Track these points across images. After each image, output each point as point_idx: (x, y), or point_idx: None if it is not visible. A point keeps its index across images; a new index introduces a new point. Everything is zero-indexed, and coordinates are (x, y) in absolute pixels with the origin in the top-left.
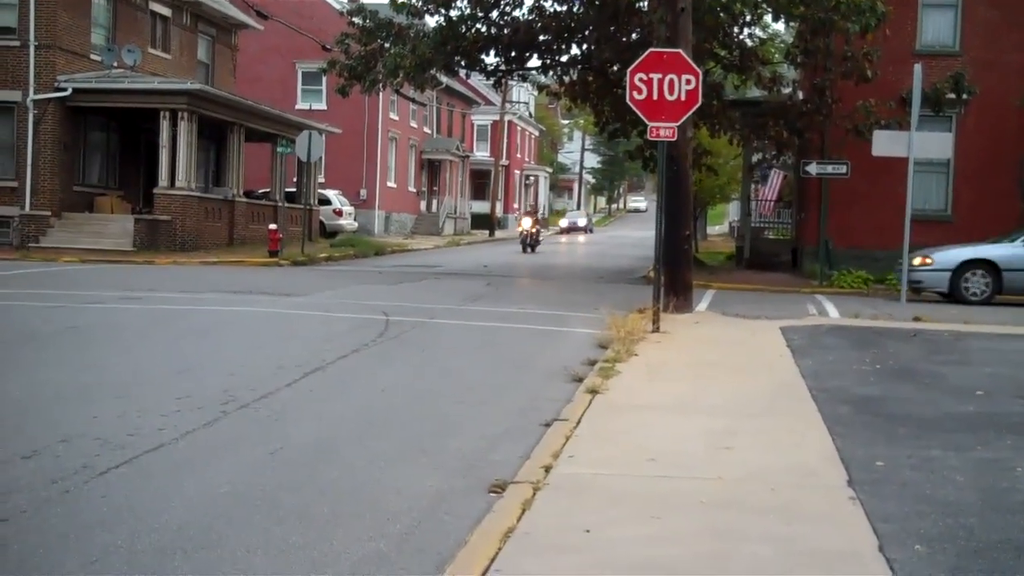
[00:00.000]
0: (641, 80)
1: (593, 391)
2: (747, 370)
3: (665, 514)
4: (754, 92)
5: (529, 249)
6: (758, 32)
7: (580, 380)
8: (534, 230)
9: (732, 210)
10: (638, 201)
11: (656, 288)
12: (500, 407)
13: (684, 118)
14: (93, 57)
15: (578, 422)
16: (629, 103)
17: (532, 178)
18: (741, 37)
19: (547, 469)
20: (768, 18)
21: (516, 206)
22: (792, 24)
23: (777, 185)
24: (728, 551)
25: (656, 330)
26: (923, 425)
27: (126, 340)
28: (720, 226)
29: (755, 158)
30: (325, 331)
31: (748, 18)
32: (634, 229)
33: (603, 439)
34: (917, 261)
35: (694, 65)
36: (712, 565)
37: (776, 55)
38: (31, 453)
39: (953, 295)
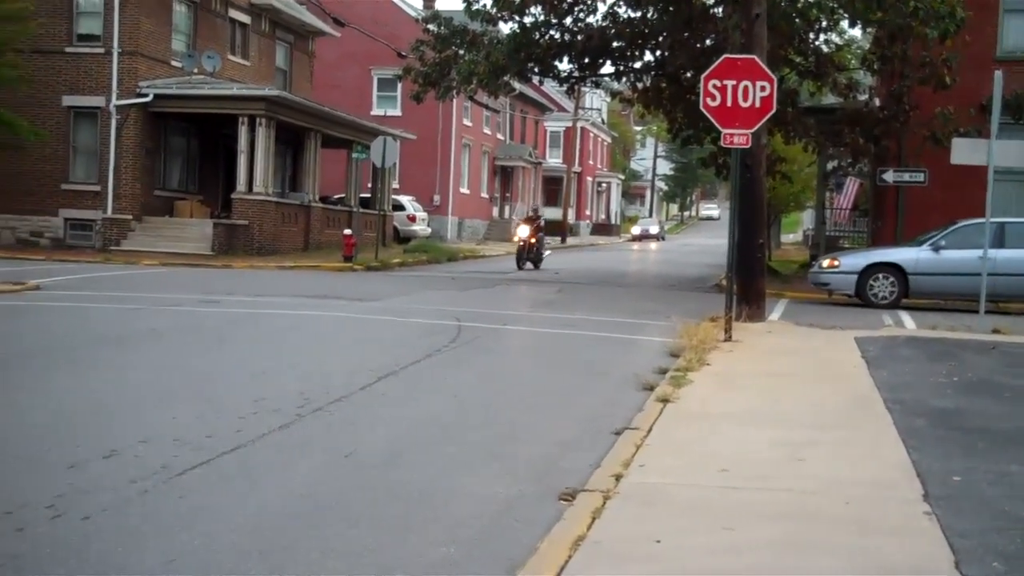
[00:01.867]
0: (715, 87)
1: (664, 400)
2: (821, 381)
3: (737, 525)
4: (830, 99)
5: (529, 265)
6: (834, 38)
7: (651, 388)
8: (533, 240)
9: (807, 218)
10: (711, 209)
11: (728, 297)
12: (571, 414)
13: (758, 125)
14: (174, 63)
15: (649, 431)
16: (703, 110)
17: (604, 185)
18: (817, 43)
19: (617, 478)
20: (845, 24)
21: (588, 213)
22: (869, 30)
23: (853, 193)
24: (800, 564)
25: (728, 339)
26: (1002, 439)
27: (204, 342)
28: (794, 234)
29: (830, 165)
30: (398, 336)
31: (824, 24)
32: (707, 237)
33: (674, 448)
34: (826, 263)
35: (769, 71)
36: None
37: (853, 61)
38: (111, 453)
39: (860, 297)
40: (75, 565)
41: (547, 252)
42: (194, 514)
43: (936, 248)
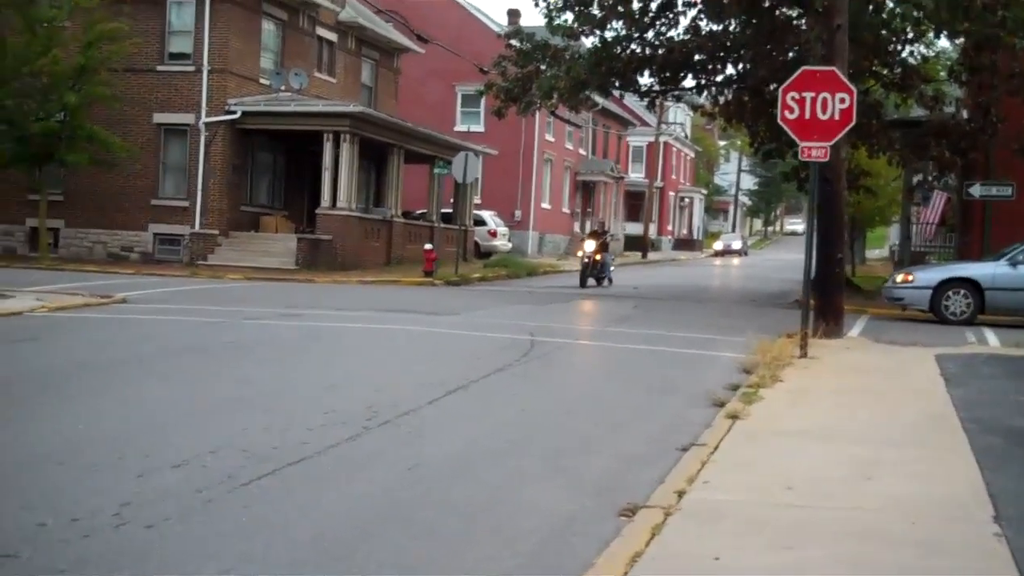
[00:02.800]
0: (793, 99)
1: (733, 416)
2: (896, 398)
3: (798, 544)
4: (917, 112)
5: (593, 282)
6: (921, 49)
7: (721, 405)
8: (598, 257)
9: (893, 233)
10: (795, 224)
11: (804, 312)
12: (638, 430)
13: (837, 138)
14: (262, 81)
15: (716, 447)
16: (780, 123)
17: (687, 200)
18: (902, 55)
19: (680, 494)
20: (932, 35)
21: (671, 228)
22: (957, 41)
23: (940, 207)
24: None
25: (804, 355)
26: None
27: (281, 355)
28: (880, 250)
29: (916, 179)
30: (471, 350)
31: (910, 35)
32: (790, 252)
33: (740, 465)
34: (900, 278)
35: (848, 83)
36: None
37: (941, 72)
38: (181, 463)
39: (934, 313)
40: (136, 572)
41: (612, 268)
42: (255, 524)
43: (1014, 263)
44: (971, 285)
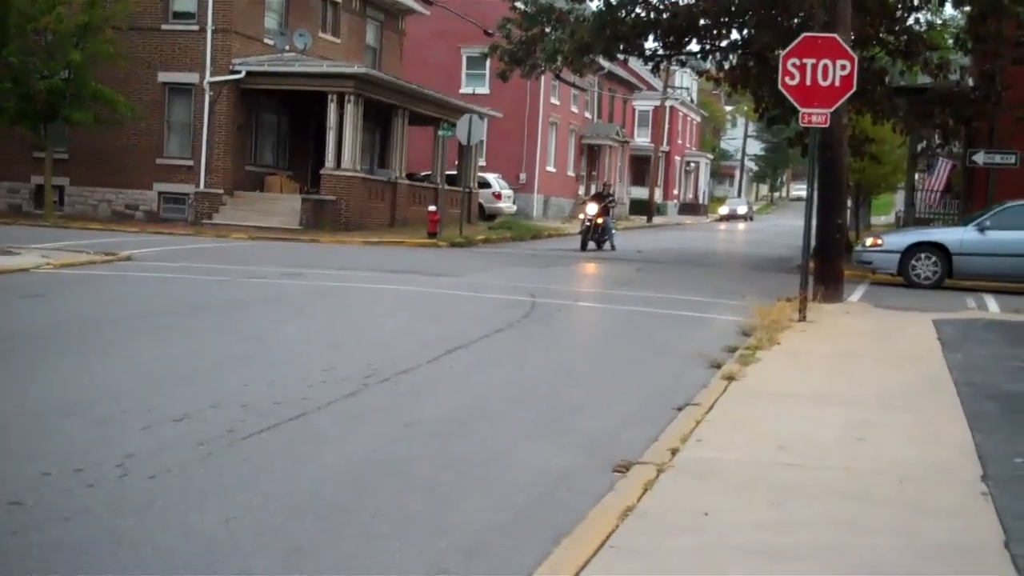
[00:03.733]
0: (794, 65)
1: (729, 377)
2: (891, 362)
3: (787, 502)
4: (923, 79)
5: (594, 245)
6: (927, 17)
7: (718, 366)
8: (600, 220)
9: (899, 200)
10: (801, 189)
11: (803, 276)
12: (635, 390)
13: (837, 104)
14: (266, 41)
15: (710, 407)
16: (780, 88)
17: (692, 164)
18: (908, 22)
19: (673, 452)
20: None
21: (676, 192)
22: (963, 9)
23: (945, 175)
24: (846, 541)
25: (802, 319)
26: None
27: (283, 314)
28: (887, 216)
29: (920, 146)
30: (472, 310)
31: (915, 2)
32: (795, 218)
33: (734, 425)
34: (869, 242)
35: (849, 50)
36: (828, 554)
37: (948, 40)
38: (182, 416)
39: (902, 276)
40: (138, 520)
41: (615, 232)
42: (255, 476)
43: (982, 228)
44: (939, 249)
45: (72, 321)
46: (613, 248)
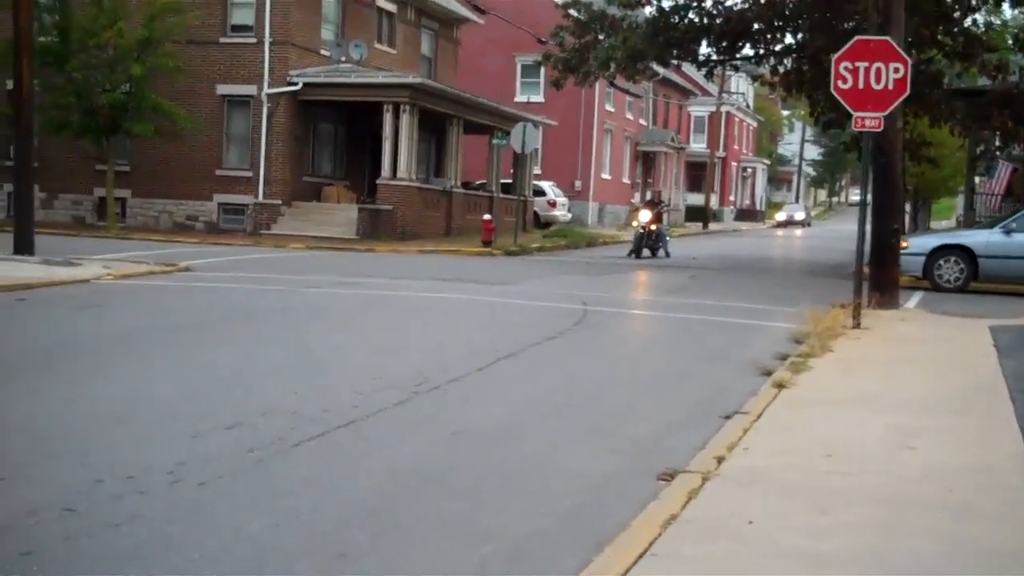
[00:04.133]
0: (846, 69)
1: (780, 385)
2: (945, 368)
3: (833, 508)
4: (983, 82)
5: (648, 252)
6: (985, 18)
7: (769, 374)
8: (653, 227)
9: (960, 204)
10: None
11: (857, 282)
12: (683, 397)
13: (891, 108)
14: (323, 52)
15: (759, 415)
16: (833, 92)
17: (749, 170)
18: (965, 24)
19: (720, 460)
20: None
21: (732, 198)
22: (1021, 9)
23: (1005, 178)
24: (891, 547)
25: (856, 326)
26: None
27: (336, 322)
28: (948, 220)
29: (979, 149)
30: (524, 318)
31: (973, 3)
32: (854, 223)
33: (782, 432)
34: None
35: (903, 53)
36: (871, 559)
37: (1008, 40)
38: (233, 424)
39: (927, 279)
40: (187, 526)
41: (668, 239)
42: (303, 483)
43: (1008, 231)
44: (964, 252)
45: (127, 330)
46: (668, 255)
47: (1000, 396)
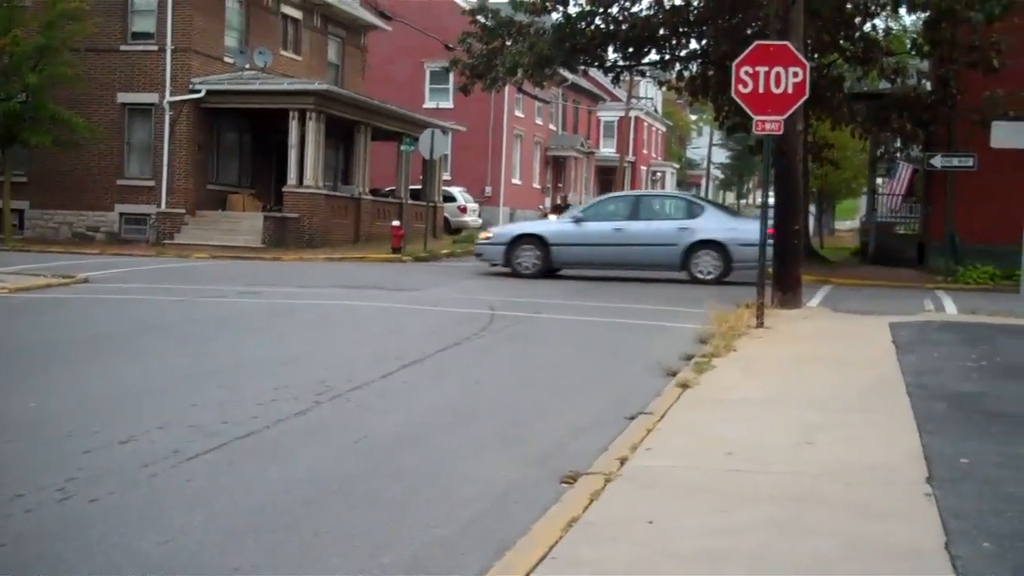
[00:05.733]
0: (747, 74)
1: (684, 385)
2: (846, 366)
3: (733, 507)
4: (885, 85)
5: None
6: (885, 23)
7: (674, 374)
8: None
9: (863, 205)
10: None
11: (760, 283)
12: (589, 400)
13: (791, 111)
14: (226, 60)
15: (662, 416)
16: (734, 96)
17: (659, 174)
18: (864, 29)
19: (622, 461)
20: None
21: None
22: (917, 15)
23: (906, 179)
24: (789, 545)
25: (760, 325)
26: (1019, 422)
27: (239, 332)
28: (851, 221)
29: (879, 151)
30: (431, 325)
31: (871, 8)
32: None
33: (684, 432)
34: (482, 236)
35: (801, 57)
36: (771, 558)
37: (907, 45)
38: (128, 438)
39: (509, 267)
40: (76, 544)
41: None
42: (197, 497)
43: (577, 220)
44: (539, 241)
45: (22, 345)
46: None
47: (898, 392)
